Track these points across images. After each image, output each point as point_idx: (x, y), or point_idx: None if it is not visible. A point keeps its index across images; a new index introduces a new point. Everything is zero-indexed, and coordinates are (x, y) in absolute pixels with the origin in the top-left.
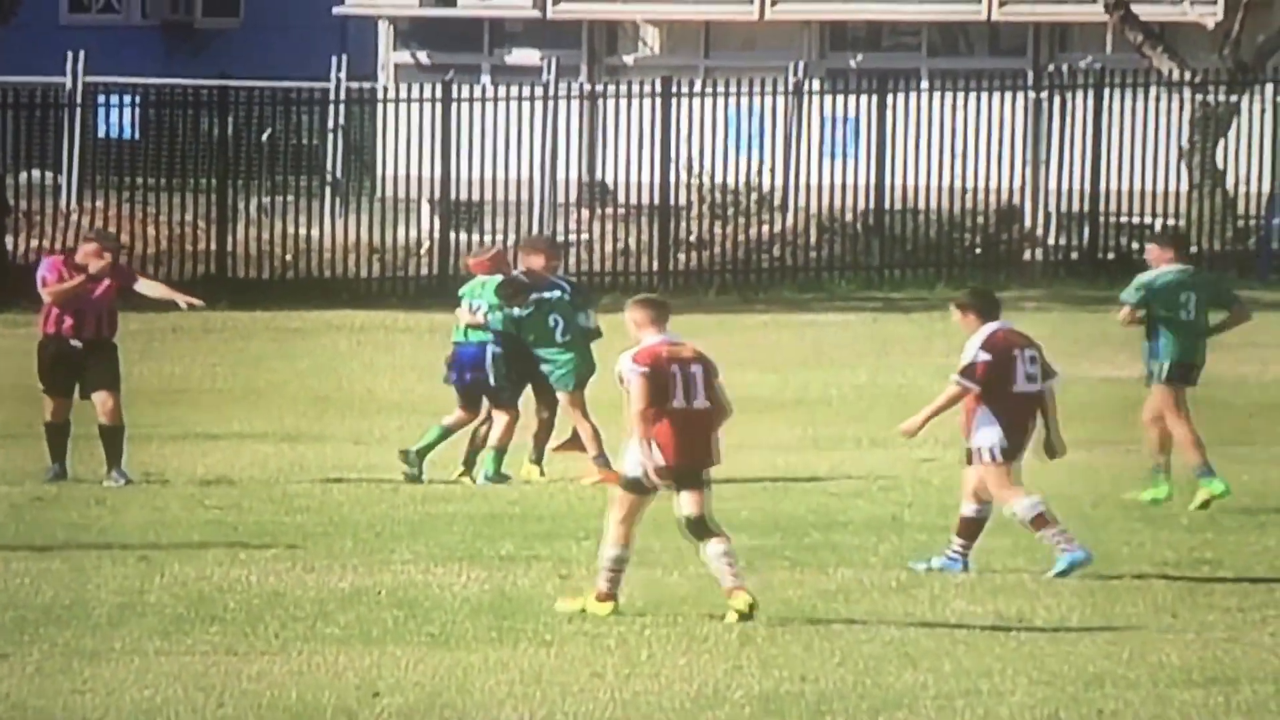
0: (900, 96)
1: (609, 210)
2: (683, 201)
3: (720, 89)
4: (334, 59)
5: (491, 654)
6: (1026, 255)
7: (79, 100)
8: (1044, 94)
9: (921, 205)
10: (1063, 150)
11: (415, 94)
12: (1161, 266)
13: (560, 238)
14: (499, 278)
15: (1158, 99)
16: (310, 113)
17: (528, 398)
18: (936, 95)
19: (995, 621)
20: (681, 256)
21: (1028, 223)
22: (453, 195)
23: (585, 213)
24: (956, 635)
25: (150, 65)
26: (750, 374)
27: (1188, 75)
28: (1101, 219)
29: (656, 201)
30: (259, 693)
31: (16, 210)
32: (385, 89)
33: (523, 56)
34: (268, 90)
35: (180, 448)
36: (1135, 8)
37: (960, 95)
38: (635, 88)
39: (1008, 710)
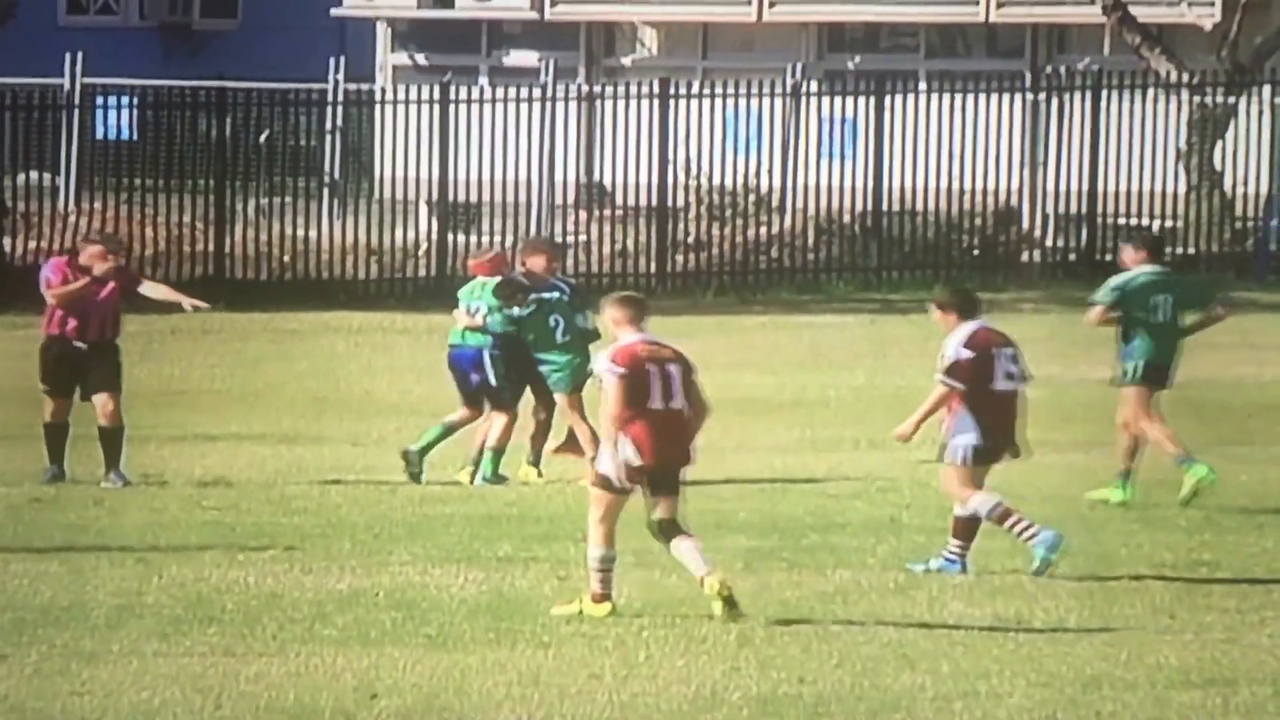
0: (898, 98)
1: (607, 212)
2: (681, 203)
3: (718, 90)
4: (332, 60)
5: (489, 655)
6: (1024, 257)
7: (77, 101)
8: (1042, 95)
9: (919, 207)
10: (1060, 152)
11: (413, 95)
12: (1135, 268)
13: (558, 239)
14: (498, 279)
15: (1155, 100)
16: (308, 114)
17: (526, 399)
18: (934, 97)
19: (993, 623)
20: (679, 258)
21: (1025, 224)
22: (451, 197)
23: (583, 214)
24: (954, 637)
25: (148, 66)
26: (748, 375)
27: (1185, 77)
28: (1099, 220)
29: (654, 203)
30: (257, 694)
31: (14, 211)
32: (383, 90)
33: (520, 58)
34: (265, 91)
35: (178, 449)
36: (1133, 9)
37: (958, 97)
38: (633, 89)
39: (1006, 712)
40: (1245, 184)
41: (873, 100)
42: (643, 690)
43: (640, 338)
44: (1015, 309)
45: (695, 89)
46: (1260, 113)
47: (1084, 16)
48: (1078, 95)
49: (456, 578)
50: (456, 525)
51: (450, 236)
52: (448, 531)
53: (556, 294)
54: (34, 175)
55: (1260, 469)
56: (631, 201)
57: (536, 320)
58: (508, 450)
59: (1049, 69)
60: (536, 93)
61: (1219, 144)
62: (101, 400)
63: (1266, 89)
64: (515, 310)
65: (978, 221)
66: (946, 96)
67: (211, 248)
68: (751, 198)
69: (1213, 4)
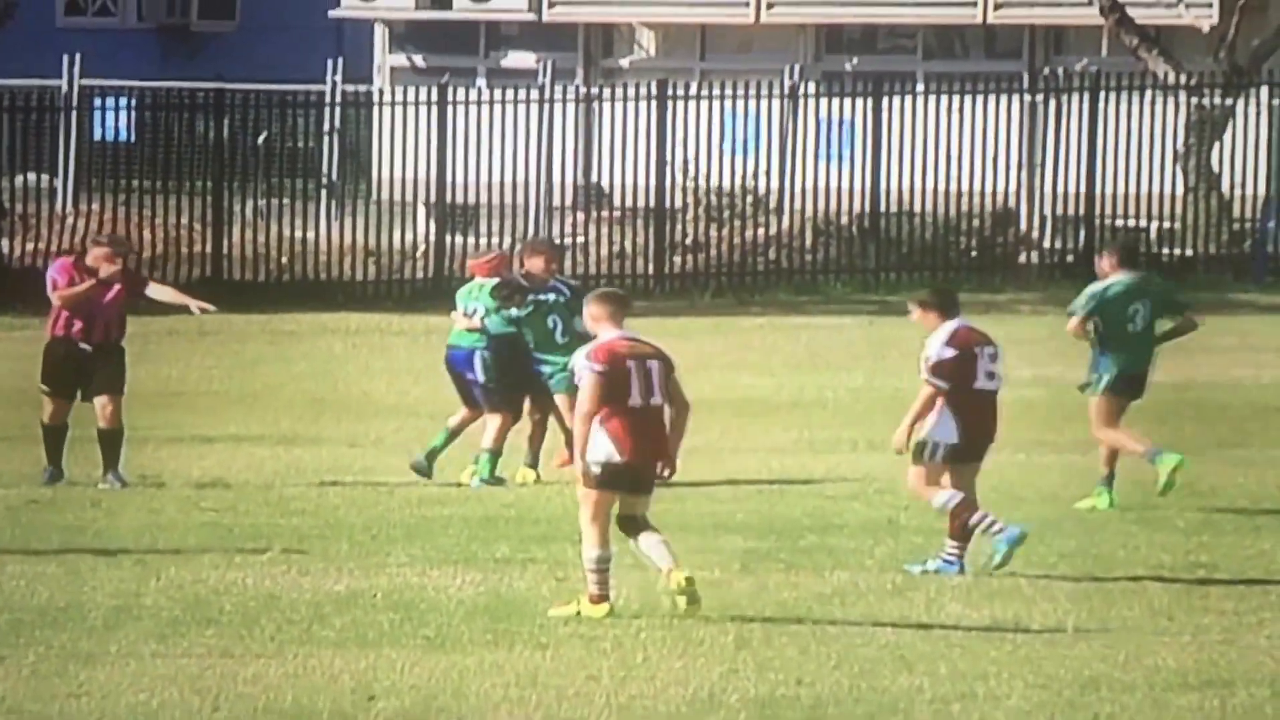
0: (896, 99)
1: (605, 213)
2: (678, 204)
3: (716, 92)
4: (330, 62)
5: (487, 657)
6: (1022, 258)
7: (75, 103)
8: (1039, 97)
9: (917, 208)
10: (1058, 153)
11: (411, 97)
12: (1112, 277)
13: (556, 240)
14: (496, 280)
15: (1153, 102)
16: (306, 115)
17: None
18: (932, 98)
19: (991, 625)
20: (677, 259)
21: (1023, 226)
22: (448, 198)
23: (581, 215)
24: (952, 638)
25: (146, 68)
26: (746, 377)
27: (1183, 78)
28: (1097, 222)
29: (652, 204)
30: (255, 696)
31: (12, 213)
32: (381, 92)
33: (518, 59)
34: (263, 93)
35: (176, 451)
36: (1130, 11)
37: (956, 98)
38: (631, 90)
39: (1004, 714)
40: (1243, 185)
41: (870, 102)
42: (640, 692)
43: (620, 334)
44: (1013, 310)
45: (693, 90)
46: (1258, 114)
47: (1082, 18)
48: (1075, 97)
49: (454, 579)
50: (454, 527)
51: (448, 238)
52: (446, 533)
53: (555, 295)
54: (32, 176)
55: (1258, 471)
56: (629, 203)
57: (535, 321)
58: (504, 452)
59: (1046, 70)
60: (534, 94)
61: (1217, 145)
62: (102, 402)
63: (1264, 90)
64: (513, 311)
65: (975, 223)
66: (944, 98)
67: (209, 249)
68: (749, 199)
69: (1210, 6)
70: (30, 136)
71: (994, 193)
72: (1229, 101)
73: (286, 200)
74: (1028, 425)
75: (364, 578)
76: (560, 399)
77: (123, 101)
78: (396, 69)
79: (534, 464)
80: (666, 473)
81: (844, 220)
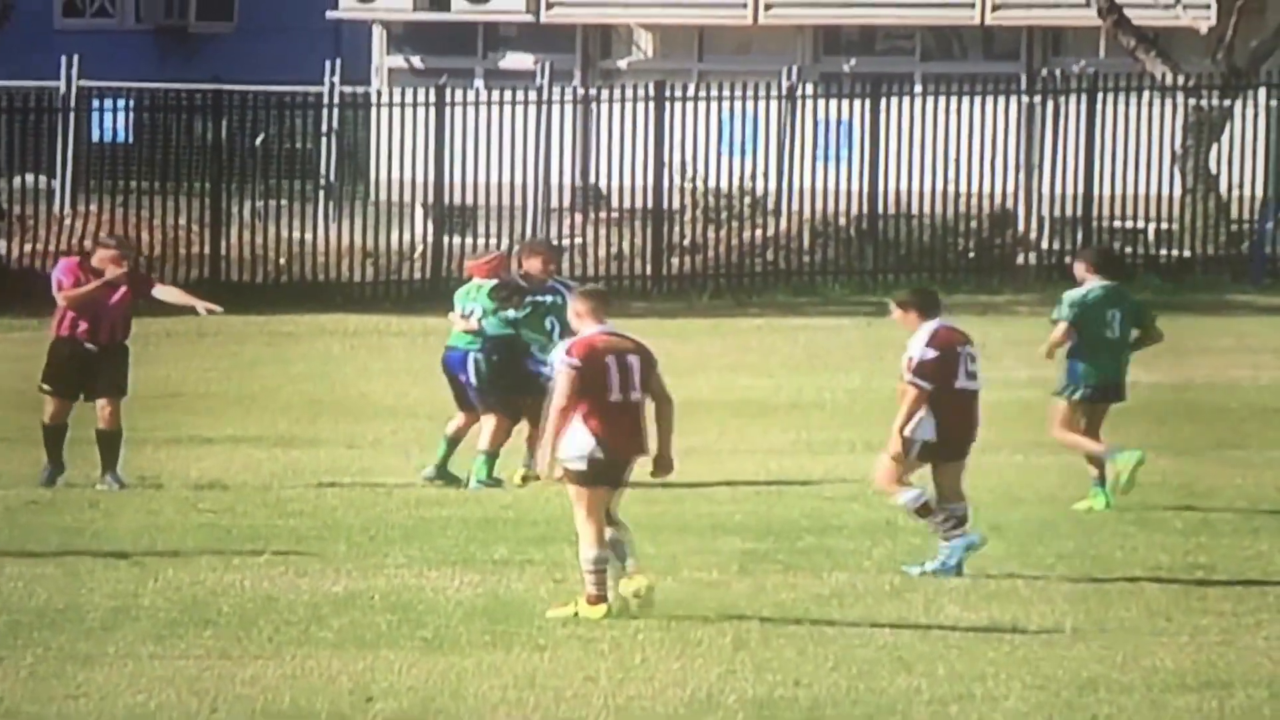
0: (893, 101)
1: (602, 214)
2: (676, 205)
3: (714, 93)
4: (327, 63)
5: (485, 658)
6: (1020, 259)
7: (73, 104)
8: (1037, 98)
9: (915, 209)
10: (1056, 155)
11: (409, 98)
12: (1089, 282)
13: (554, 242)
14: (494, 282)
15: (1151, 103)
16: (304, 117)
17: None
18: (930, 99)
19: (989, 626)
20: (675, 261)
21: (1021, 227)
22: (446, 199)
23: (579, 217)
24: (950, 640)
25: (144, 69)
26: (744, 378)
27: (1181, 80)
28: (1095, 223)
29: (650, 205)
30: (252, 697)
31: (10, 214)
32: (379, 93)
33: (516, 60)
34: (261, 94)
35: (174, 452)
36: (1128, 12)
37: (953, 99)
38: (629, 92)
39: (1001, 715)
40: (1241, 187)
41: (868, 103)
42: (639, 693)
43: (600, 330)
44: (1011, 311)
45: (691, 91)
46: (1256, 115)
47: (1079, 19)
48: (1073, 98)
49: (452, 580)
50: (453, 528)
51: (446, 239)
52: (444, 534)
53: (553, 297)
54: (29, 178)
55: (1256, 472)
56: (627, 204)
57: (533, 322)
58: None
59: (1044, 72)
60: (532, 95)
61: (1214, 147)
62: (103, 403)
63: (1262, 92)
64: (511, 312)
65: (973, 224)
66: (942, 99)
67: (207, 250)
68: (747, 200)
69: (1208, 7)
70: (28, 137)
71: (992, 194)
72: (1227, 103)
73: (284, 201)
74: (1025, 426)
75: (362, 579)
76: None
77: (120, 103)
78: (394, 70)
79: (532, 466)
80: (664, 472)
81: (842, 221)
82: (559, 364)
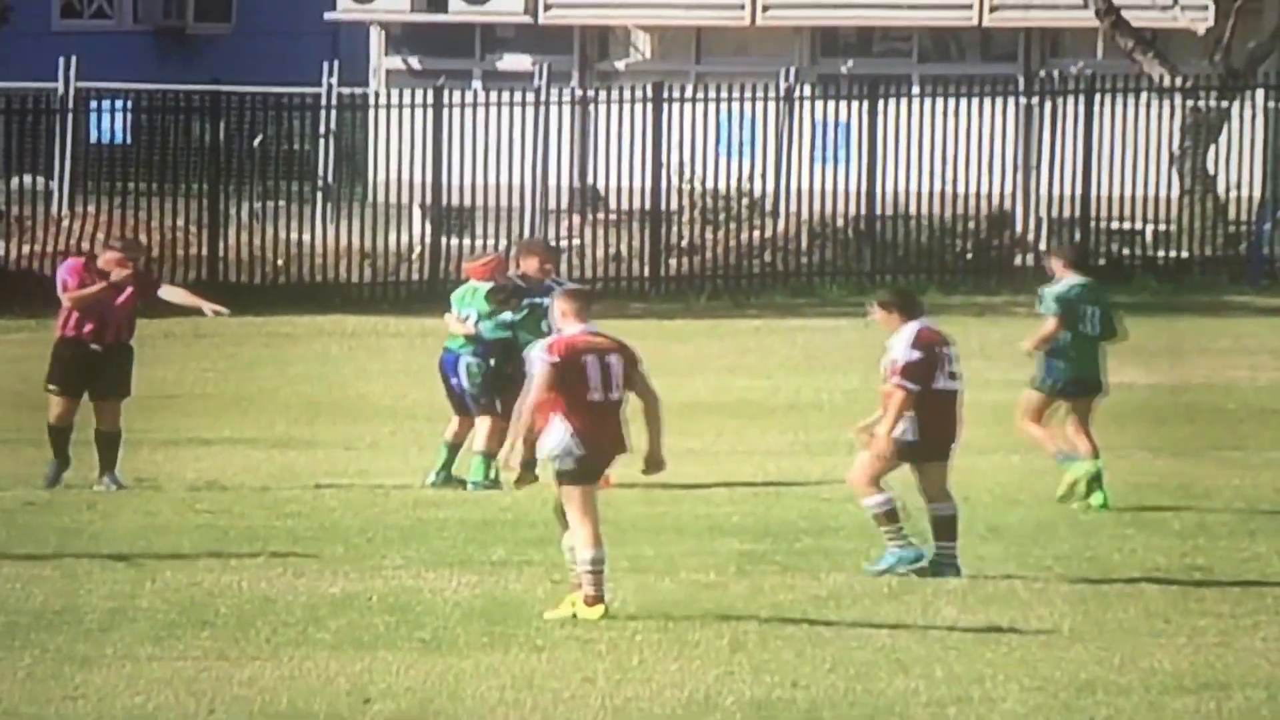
0: (891, 102)
1: (600, 216)
2: (674, 207)
3: (712, 94)
4: (325, 64)
5: (483, 659)
6: (1018, 260)
7: (71, 105)
8: (1035, 99)
9: (913, 210)
10: (1054, 156)
11: (407, 99)
12: (1065, 278)
13: (552, 243)
14: (490, 285)
15: (1149, 105)
16: (302, 118)
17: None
18: (928, 101)
19: (987, 628)
20: (673, 262)
21: (1019, 228)
22: (444, 200)
23: (576, 218)
24: (948, 641)
25: (142, 70)
26: (742, 379)
27: (1178, 81)
28: (1093, 224)
29: (648, 207)
30: (250, 698)
31: (8, 215)
32: (377, 94)
33: (514, 62)
34: (259, 95)
35: (172, 453)
36: (1126, 13)
37: (951, 101)
38: (627, 93)
39: (999, 717)
40: (1238, 188)
41: (866, 104)
42: (636, 694)
43: (582, 329)
44: (1009, 312)
45: (689, 93)
46: (1253, 117)
47: (1077, 21)
48: (1071, 99)
49: (450, 581)
50: (450, 529)
51: (443, 240)
52: (441, 535)
53: (548, 299)
54: (27, 179)
55: (1254, 473)
56: (625, 205)
57: (530, 325)
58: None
59: (1042, 73)
60: (530, 97)
61: (1212, 148)
62: (105, 404)
63: (1259, 93)
64: (508, 315)
65: (971, 225)
66: (940, 100)
67: (205, 251)
68: (745, 201)
69: (1206, 8)
70: (26, 139)
71: (989, 195)
72: (1224, 104)
73: (282, 203)
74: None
75: (360, 580)
76: None
77: (119, 104)
78: (392, 71)
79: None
80: (654, 470)
81: (840, 223)
82: (537, 360)
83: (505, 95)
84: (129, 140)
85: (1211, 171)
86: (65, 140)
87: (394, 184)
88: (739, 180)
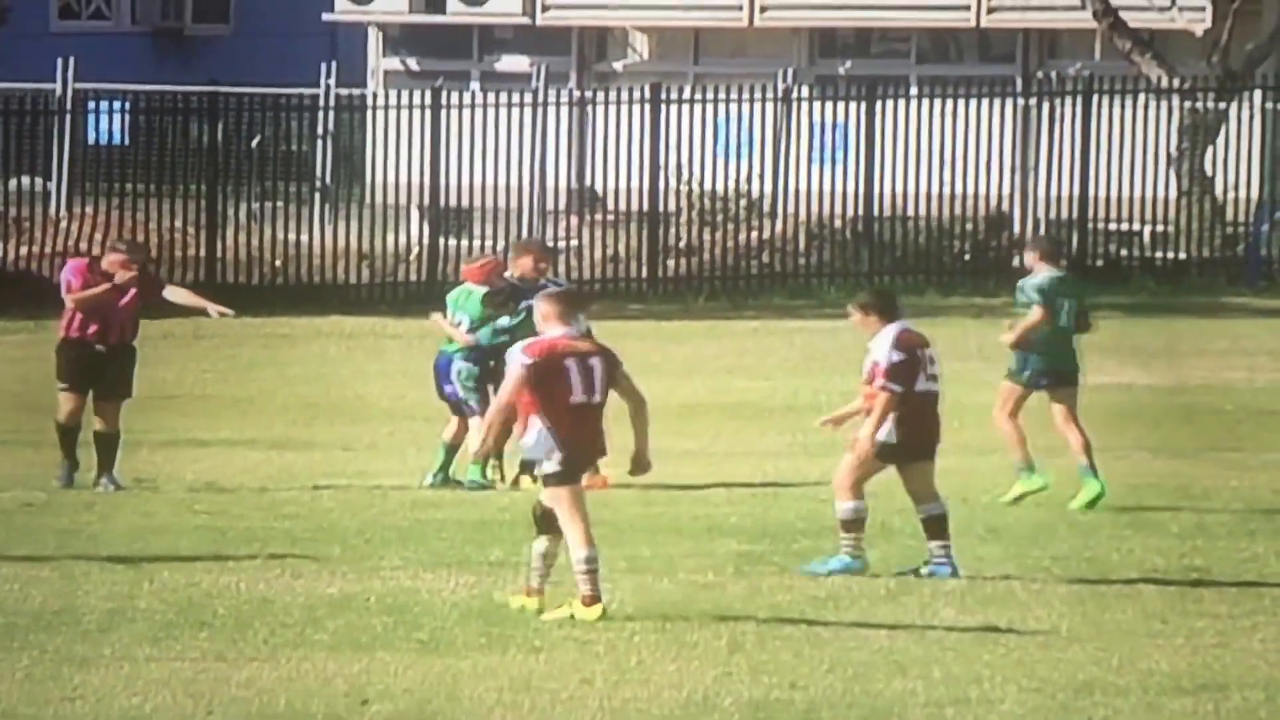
0: (889, 103)
1: (598, 216)
2: (672, 208)
3: (710, 95)
4: (323, 65)
5: (481, 660)
6: (1016, 262)
7: (69, 106)
8: (1033, 101)
9: (911, 212)
10: (1052, 157)
11: (405, 100)
12: (1040, 271)
13: (550, 244)
14: (485, 290)
15: (1146, 106)
16: (300, 119)
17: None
18: (926, 102)
19: (985, 629)
20: (671, 263)
21: (1017, 229)
22: (442, 201)
23: (574, 219)
24: (946, 642)
25: (140, 71)
26: (740, 380)
27: (1176, 82)
28: (1090, 225)
29: (646, 208)
30: (248, 699)
31: (5, 216)
32: (375, 95)
33: (512, 63)
34: (257, 96)
35: (170, 454)
36: (1124, 15)
37: (949, 102)
38: (625, 94)
39: (997, 718)
40: (1236, 189)
41: (864, 105)
42: (634, 695)
43: (564, 333)
44: (1007, 314)
45: (687, 94)
46: (1251, 118)
47: (1075, 22)
48: (1069, 100)
49: (448, 582)
50: (448, 530)
51: (441, 241)
52: (439, 536)
53: None
54: (25, 180)
55: (1251, 474)
56: (623, 206)
57: (527, 327)
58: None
59: (1040, 74)
60: (528, 98)
61: (1210, 149)
62: (106, 404)
63: (1257, 94)
64: (506, 320)
65: (969, 226)
66: (938, 101)
67: (203, 253)
68: (743, 203)
69: (1203, 10)
70: (24, 140)
71: (987, 196)
72: (1222, 105)
73: (280, 204)
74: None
75: (357, 581)
76: None
77: (117, 105)
78: (390, 72)
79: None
80: (641, 471)
81: (838, 224)
82: (513, 360)
83: (503, 96)
84: (127, 141)
85: (1209, 173)
86: (63, 141)
87: (392, 185)
88: (737, 181)
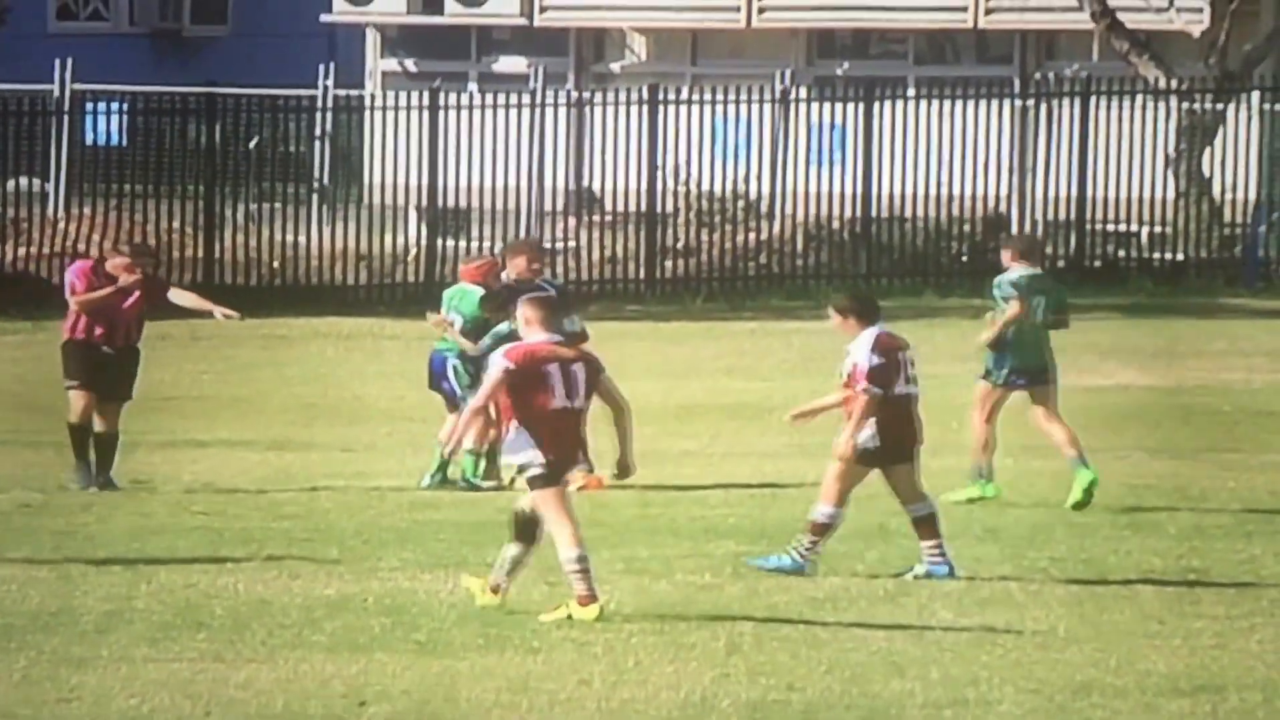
0: (887, 104)
1: (596, 218)
2: (670, 209)
3: (707, 97)
4: (321, 66)
5: (479, 661)
6: None
7: (67, 107)
8: (1031, 102)
9: (908, 213)
10: (1049, 158)
11: (402, 101)
12: (1016, 268)
13: (547, 245)
14: (481, 291)
15: (1144, 107)
16: (298, 120)
17: None
18: (923, 103)
19: (983, 630)
20: (668, 264)
21: (1014, 230)
22: (440, 202)
23: (572, 220)
24: (944, 644)
25: (138, 72)
26: (738, 381)
27: (1174, 83)
28: (1088, 226)
29: (643, 209)
30: (246, 701)
31: (4, 218)
32: (373, 96)
33: (510, 64)
34: (255, 97)
35: (168, 455)
36: (1122, 16)
37: (947, 103)
38: (622, 95)
39: (995, 719)
40: (1234, 190)
41: (862, 106)
42: (632, 696)
43: (546, 338)
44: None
45: (684, 95)
46: (1249, 119)
47: (1073, 23)
48: (1067, 101)
49: (446, 583)
50: (446, 531)
51: (439, 242)
52: (437, 537)
53: None
54: (23, 181)
55: (1249, 475)
56: (621, 207)
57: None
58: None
59: (1038, 75)
60: (526, 99)
61: (1208, 150)
62: (107, 406)
63: (1255, 95)
64: (505, 326)
65: (967, 228)
66: (936, 103)
67: (201, 253)
68: (741, 204)
69: (1201, 11)
70: (22, 141)
71: (985, 197)
72: (1220, 106)
73: (278, 205)
74: (1017, 430)
75: (355, 582)
76: None
77: (115, 106)
78: (388, 74)
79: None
80: (624, 475)
81: (835, 225)
82: (493, 363)
83: (501, 97)
84: (125, 142)
85: (1207, 174)
86: (61, 142)
87: (390, 186)
88: (735, 182)
